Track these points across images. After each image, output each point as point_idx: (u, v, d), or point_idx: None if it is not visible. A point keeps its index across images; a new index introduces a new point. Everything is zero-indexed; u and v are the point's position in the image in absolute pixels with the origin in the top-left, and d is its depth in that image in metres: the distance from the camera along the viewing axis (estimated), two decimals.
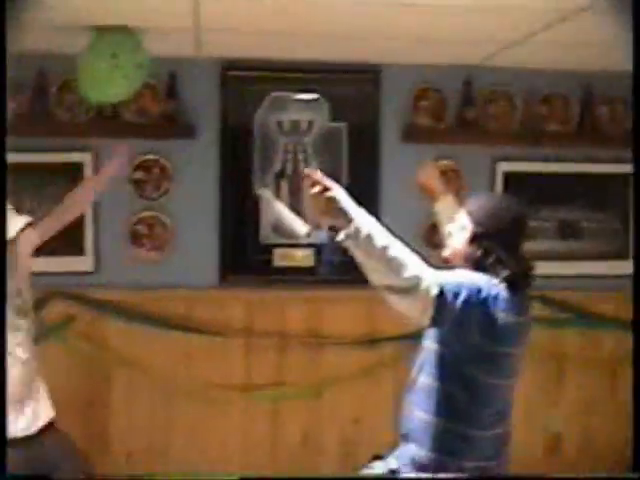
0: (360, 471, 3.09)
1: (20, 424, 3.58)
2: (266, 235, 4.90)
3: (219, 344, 4.79)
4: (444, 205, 3.73)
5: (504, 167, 4.97)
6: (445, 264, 2.91)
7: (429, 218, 4.29)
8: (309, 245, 4.90)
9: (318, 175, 2.68)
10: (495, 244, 2.84)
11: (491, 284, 2.77)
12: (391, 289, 2.64)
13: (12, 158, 4.53)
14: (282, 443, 4.92)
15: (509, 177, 4.96)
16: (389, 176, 4.91)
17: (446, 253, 3.02)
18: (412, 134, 4.88)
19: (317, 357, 4.84)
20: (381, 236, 2.61)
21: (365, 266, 2.66)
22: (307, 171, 2.73)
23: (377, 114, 4.93)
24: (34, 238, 3.68)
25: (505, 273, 2.80)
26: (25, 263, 3.64)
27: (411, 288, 2.60)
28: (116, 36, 4.03)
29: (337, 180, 4.64)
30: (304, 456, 4.91)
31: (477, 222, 2.89)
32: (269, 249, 4.90)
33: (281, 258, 4.91)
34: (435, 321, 2.68)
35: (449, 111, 4.92)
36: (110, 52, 4.00)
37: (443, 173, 4.60)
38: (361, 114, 4.94)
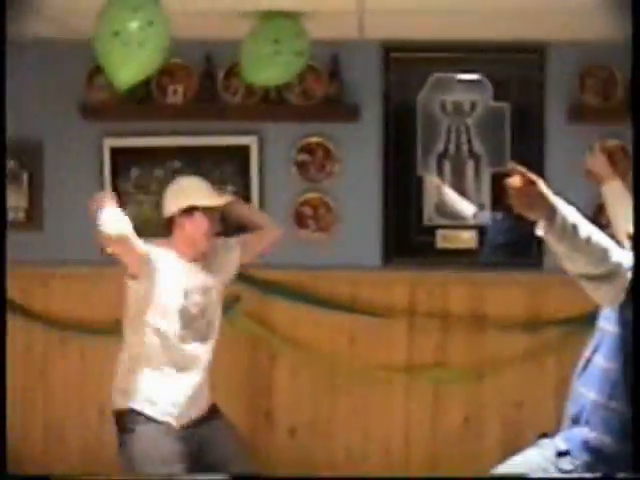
0: (525, 450, 3.08)
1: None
2: (429, 216, 4.90)
3: (382, 325, 4.82)
4: (612, 190, 3.69)
5: None
6: None
7: (595, 200, 4.23)
8: (473, 227, 4.89)
9: (522, 169, 2.61)
10: None
11: None
12: (591, 277, 2.61)
13: (183, 141, 4.85)
14: (443, 425, 4.91)
15: None
16: (554, 158, 4.81)
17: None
18: (579, 114, 4.76)
19: (479, 340, 4.81)
20: (584, 226, 2.58)
21: (565, 256, 2.63)
22: (511, 165, 2.66)
23: (542, 94, 4.84)
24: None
25: None
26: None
27: (612, 274, 2.58)
28: (279, 22, 4.12)
29: (501, 161, 4.91)
30: (465, 439, 4.89)
31: None
32: (432, 230, 4.91)
33: (444, 240, 4.91)
34: (624, 304, 2.65)
35: (618, 88, 4.76)
36: (273, 38, 4.09)
37: (611, 154, 4.55)
38: (525, 94, 4.88)
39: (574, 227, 2.55)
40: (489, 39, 4.71)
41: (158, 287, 3.72)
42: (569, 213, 2.58)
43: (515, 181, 2.56)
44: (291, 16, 4.12)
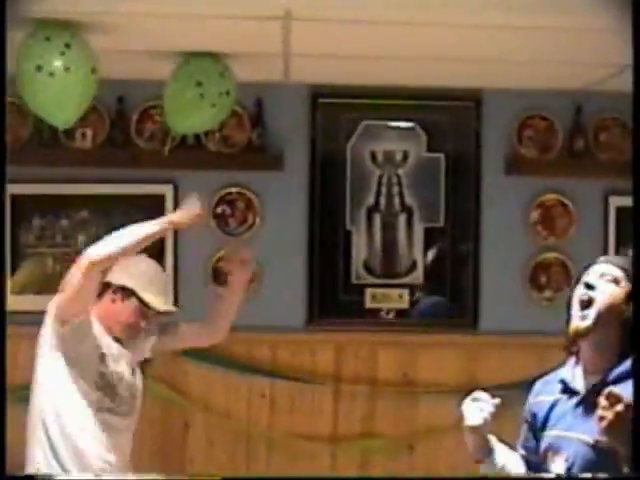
0: None
1: None
2: (357, 274, 4.75)
3: (305, 391, 4.66)
4: None
5: (618, 201, 4.71)
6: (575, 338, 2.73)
7: (534, 256, 4.13)
8: (404, 285, 4.75)
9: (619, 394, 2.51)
10: None
11: None
12: None
13: (92, 189, 4.60)
14: None
15: (623, 212, 4.67)
16: (491, 211, 4.74)
17: (588, 321, 2.74)
18: (516, 166, 4.70)
19: (410, 407, 4.65)
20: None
21: None
22: (611, 390, 2.53)
23: (478, 144, 4.77)
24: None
25: None
26: None
27: None
28: (201, 63, 3.99)
29: (435, 216, 4.75)
30: None
31: (632, 279, 2.74)
32: (360, 289, 4.75)
33: (373, 299, 4.76)
34: None
35: (557, 140, 4.72)
36: (195, 80, 3.96)
37: (549, 209, 4.65)
38: (460, 144, 4.80)
39: None
40: (423, 86, 4.65)
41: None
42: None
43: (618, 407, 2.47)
44: (214, 56, 4.00)
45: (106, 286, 3.58)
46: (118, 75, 4.36)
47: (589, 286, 2.76)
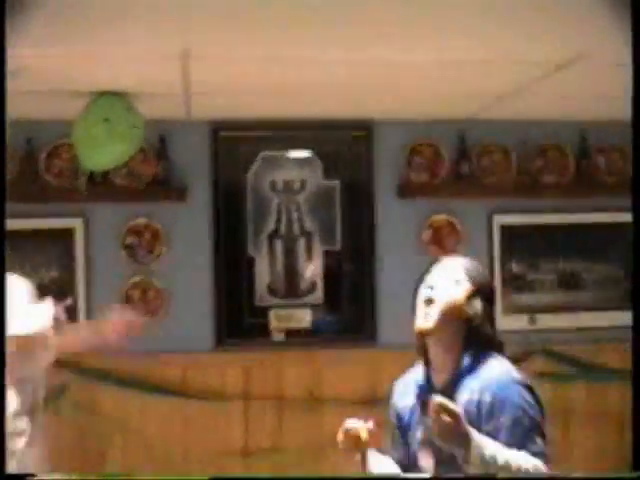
0: None
1: None
2: (261, 297, 4.95)
3: (217, 409, 4.82)
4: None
5: (501, 220, 5.01)
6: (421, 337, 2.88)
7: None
8: (306, 305, 4.97)
9: (448, 404, 2.64)
10: (489, 305, 2.87)
11: None
12: None
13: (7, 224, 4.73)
14: None
15: (506, 230, 5.00)
16: (386, 233, 4.98)
17: (430, 321, 2.84)
18: (407, 190, 4.95)
19: (317, 420, 4.80)
20: (501, 453, 2.68)
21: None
22: (438, 400, 2.67)
23: (371, 171, 5.02)
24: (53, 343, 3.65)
25: (494, 337, 2.87)
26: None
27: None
28: (108, 101, 4.13)
29: (332, 239, 5.02)
30: None
31: (474, 279, 2.86)
32: (264, 311, 4.95)
33: (278, 319, 4.95)
34: None
35: (444, 165, 4.98)
36: (103, 117, 4.09)
37: (439, 229, 4.89)
38: (355, 171, 5.04)
39: (491, 456, 2.64)
40: (317, 117, 4.85)
41: None
42: (485, 444, 2.69)
43: (444, 417, 2.60)
44: (119, 94, 4.15)
45: None
46: (27, 115, 4.47)
47: (430, 287, 2.81)
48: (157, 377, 4.74)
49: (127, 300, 4.75)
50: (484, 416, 2.79)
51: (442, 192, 4.93)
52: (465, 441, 2.62)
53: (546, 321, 5.05)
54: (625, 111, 2.62)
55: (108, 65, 3.81)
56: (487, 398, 2.79)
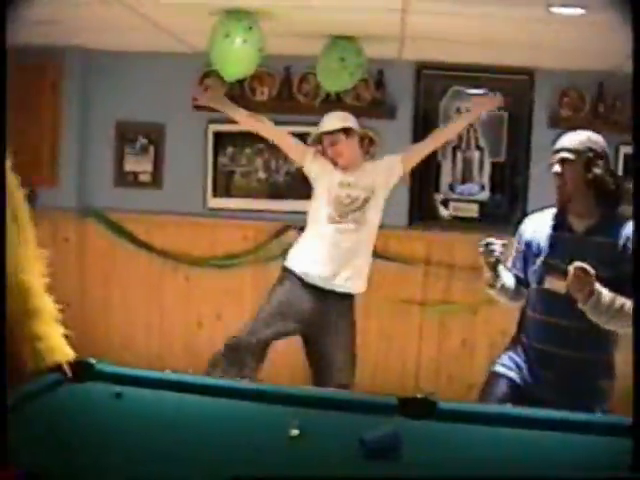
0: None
1: None
2: (444, 192, 6.37)
3: (407, 270, 6.23)
4: None
5: (626, 150, 6.01)
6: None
7: None
8: (475, 201, 6.34)
9: (584, 266, 3.09)
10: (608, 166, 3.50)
11: None
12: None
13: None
14: (446, 346, 6.29)
15: (629, 157, 6.02)
16: (537, 153, 6.15)
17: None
18: (556, 122, 6.14)
19: (476, 284, 5.48)
20: (619, 300, 3.17)
21: (603, 322, 3.28)
22: (578, 264, 3.11)
23: (531, 106, 6.24)
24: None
25: (620, 192, 3.45)
26: None
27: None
28: (344, 44, 5.33)
29: (498, 153, 6.23)
30: (463, 355, 6.29)
31: (596, 145, 3.47)
32: (445, 203, 6.35)
33: (454, 210, 6.33)
34: None
35: (585, 106, 6.15)
36: (339, 56, 5.31)
37: None
38: (518, 106, 6.23)
39: (608, 305, 3.17)
40: (494, 63, 6.08)
41: None
42: (606, 295, 3.15)
43: (580, 275, 3.08)
44: (352, 38, 5.32)
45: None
46: (283, 51, 5.77)
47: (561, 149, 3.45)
48: None
49: None
50: (616, 260, 3.24)
51: (582, 126, 5.10)
52: (590, 294, 3.11)
53: None
54: None
55: (344, 14, 4.71)
56: (621, 242, 3.27)
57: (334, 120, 5.03)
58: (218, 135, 6.41)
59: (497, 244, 3.48)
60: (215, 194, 6.48)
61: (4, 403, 2.21)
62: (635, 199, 2.58)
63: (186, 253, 6.50)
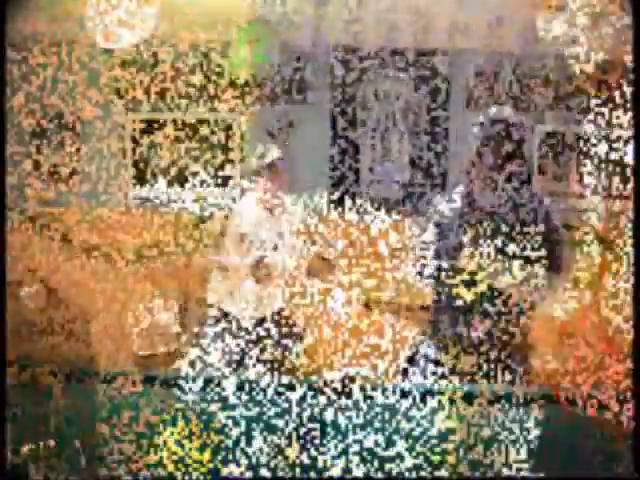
0: None
1: None
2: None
3: None
4: None
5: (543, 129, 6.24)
6: None
7: None
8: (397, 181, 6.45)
9: None
10: None
11: None
12: None
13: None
14: None
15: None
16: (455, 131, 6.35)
17: None
18: (474, 102, 6.34)
19: None
20: None
21: None
22: None
23: (449, 87, 6.39)
24: None
25: None
26: None
27: None
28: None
29: (417, 137, 6.26)
30: None
31: None
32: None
33: (374, 190, 6.41)
34: None
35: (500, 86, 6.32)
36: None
37: None
38: (436, 87, 6.35)
39: None
40: (413, 46, 6.22)
41: None
42: None
43: None
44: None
45: None
46: None
47: None
48: None
49: None
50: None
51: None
52: None
53: None
54: None
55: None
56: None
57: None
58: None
59: None
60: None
61: (4, 403, 2.24)
62: (635, 199, 2.65)
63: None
